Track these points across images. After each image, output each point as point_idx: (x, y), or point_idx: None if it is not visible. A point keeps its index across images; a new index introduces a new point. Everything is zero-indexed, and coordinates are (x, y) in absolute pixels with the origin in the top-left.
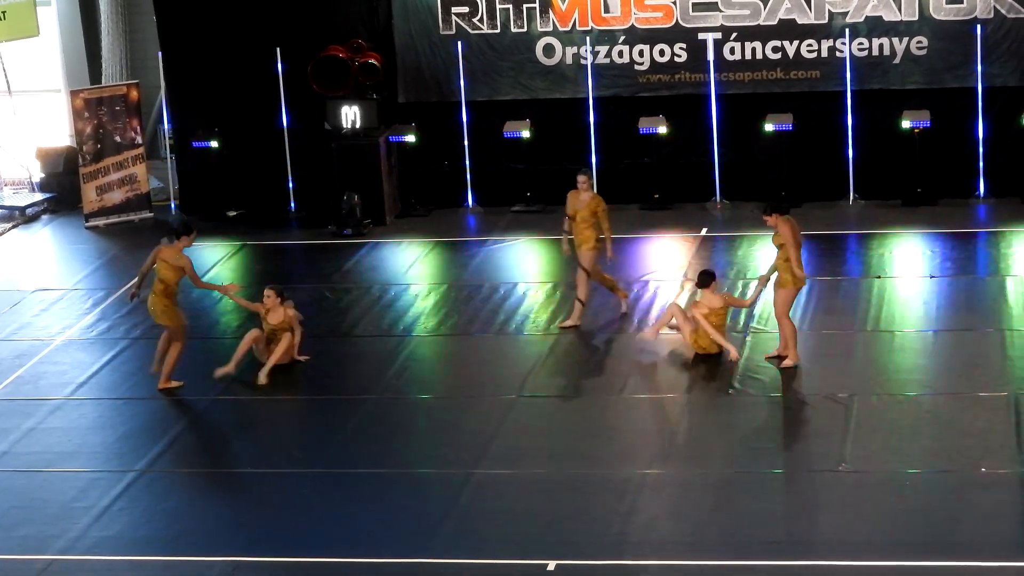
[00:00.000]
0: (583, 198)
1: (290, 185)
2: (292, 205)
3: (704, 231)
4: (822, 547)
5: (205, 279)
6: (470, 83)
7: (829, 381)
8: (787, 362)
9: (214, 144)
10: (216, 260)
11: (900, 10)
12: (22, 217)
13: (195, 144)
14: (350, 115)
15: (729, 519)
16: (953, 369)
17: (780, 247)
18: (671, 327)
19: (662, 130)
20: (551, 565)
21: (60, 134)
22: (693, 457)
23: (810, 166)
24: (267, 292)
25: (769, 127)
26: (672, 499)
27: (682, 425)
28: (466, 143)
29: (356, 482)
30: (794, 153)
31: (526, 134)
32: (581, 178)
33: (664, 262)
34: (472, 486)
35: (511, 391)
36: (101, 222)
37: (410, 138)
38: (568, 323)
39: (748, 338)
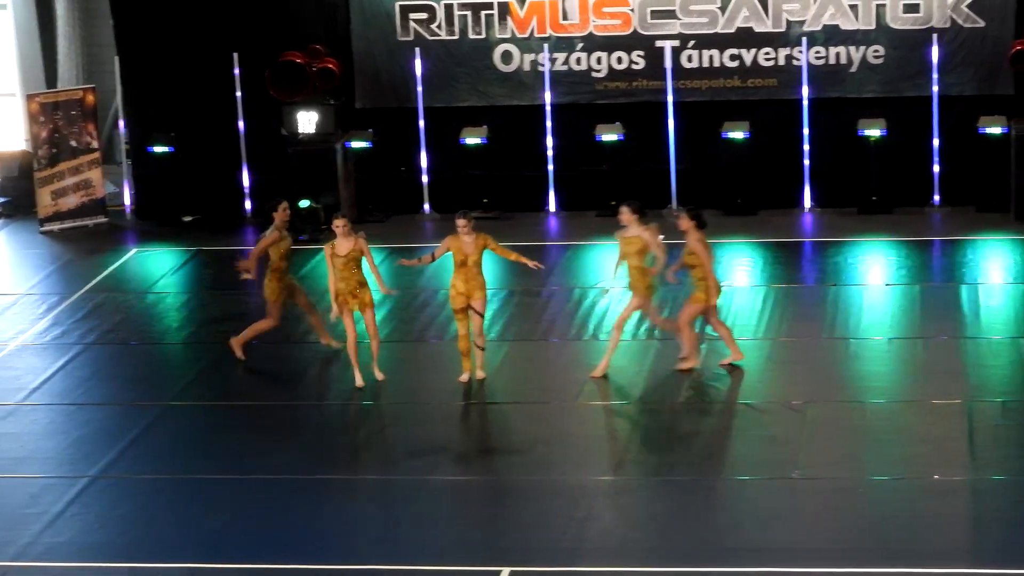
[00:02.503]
0: (467, 240)
1: (246, 190)
2: (248, 210)
3: (660, 239)
4: (777, 554)
5: (160, 285)
6: (428, 89)
7: (785, 388)
8: (689, 364)
9: (170, 149)
10: (172, 266)
11: (857, 19)
12: None
13: (151, 149)
14: (307, 120)
15: (684, 526)
16: (908, 376)
17: (693, 267)
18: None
19: (619, 137)
20: (505, 572)
21: (15, 138)
22: (648, 464)
23: (767, 174)
24: (337, 221)
25: (726, 135)
26: (627, 506)
27: (637, 432)
28: (423, 149)
29: (313, 488)
30: (751, 161)
31: (483, 141)
32: (461, 221)
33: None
34: (427, 492)
35: (462, 397)
36: (56, 227)
37: (367, 144)
38: (462, 377)
39: (704, 346)
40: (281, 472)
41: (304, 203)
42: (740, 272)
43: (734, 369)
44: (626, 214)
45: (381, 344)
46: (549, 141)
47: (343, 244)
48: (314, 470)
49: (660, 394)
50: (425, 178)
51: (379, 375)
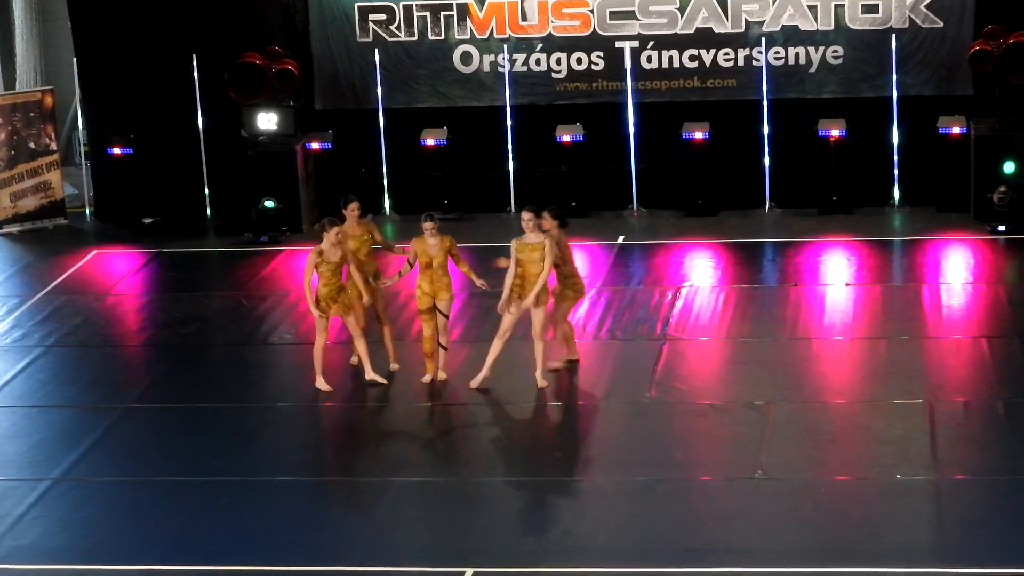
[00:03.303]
0: (432, 243)
1: (206, 192)
2: (208, 212)
3: (621, 239)
4: (739, 555)
5: (120, 287)
6: (387, 90)
7: (746, 388)
8: (545, 370)
9: (129, 151)
10: (132, 268)
11: (816, 20)
12: None
13: (110, 151)
14: (267, 121)
15: (646, 527)
16: (869, 377)
17: (557, 266)
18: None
19: (579, 138)
20: (468, 573)
21: None
22: (610, 465)
23: (727, 174)
24: (331, 231)
25: (687, 135)
26: (589, 507)
27: (598, 433)
28: (383, 150)
29: (274, 491)
30: (711, 161)
31: (443, 142)
32: (428, 224)
33: (582, 271)
34: (390, 495)
35: (424, 399)
36: (15, 229)
37: (327, 145)
38: (425, 378)
39: (665, 346)
40: (244, 474)
41: (269, 203)
42: (701, 273)
43: (571, 367)
44: (547, 220)
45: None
46: (509, 142)
47: (333, 252)
48: (277, 473)
49: (622, 394)
50: (385, 179)
51: (383, 373)
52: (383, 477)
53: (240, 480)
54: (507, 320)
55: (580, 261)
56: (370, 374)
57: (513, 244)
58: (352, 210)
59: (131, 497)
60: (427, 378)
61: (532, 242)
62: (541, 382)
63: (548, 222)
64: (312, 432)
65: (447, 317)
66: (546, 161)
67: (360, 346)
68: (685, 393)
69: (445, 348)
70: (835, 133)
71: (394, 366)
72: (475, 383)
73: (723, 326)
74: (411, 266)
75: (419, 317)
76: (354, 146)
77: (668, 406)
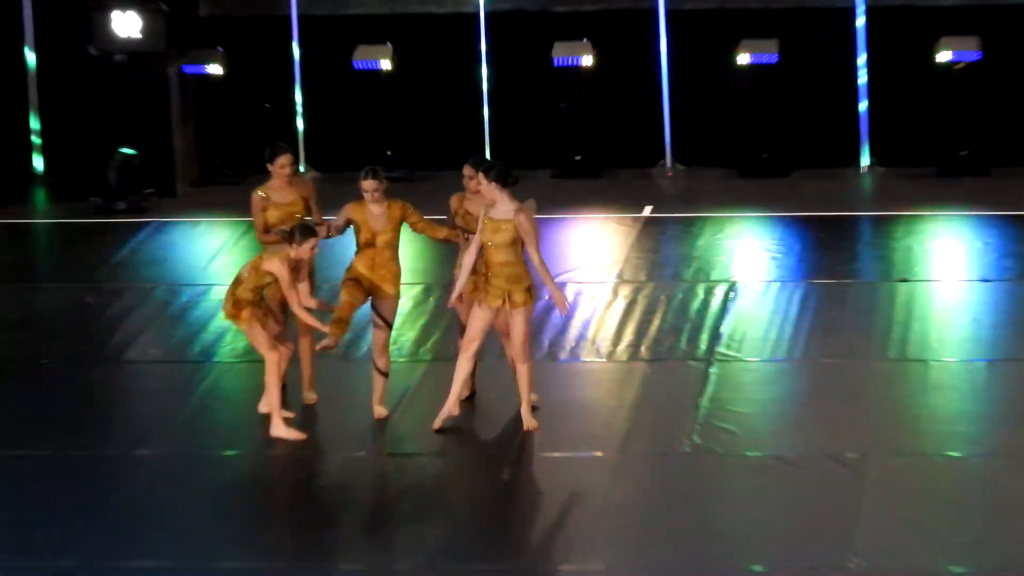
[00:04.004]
0: (375, 212)
1: (32, 138)
2: (38, 167)
3: (648, 210)
4: None
5: None
6: None
7: (830, 434)
8: (530, 405)
9: None
10: None
11: None
12: None
13: None
14: (125, 31)
15: None
16: (1014, 418)
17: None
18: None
19: (587, 61)
20: None
21: None
22: (634, 554)
23: (803, 116)
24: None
25: (744, 59)
26: None
27: (616, 499)
28: (297, 77)
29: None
30: (780, 97)
31: (386, 65)
32: (369, 183)
33: (590, 257)
34: None
35: (363, 445)
36: None
37: (215, 69)
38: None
39: (712, 370)
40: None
41: (128, 152)
42: (763, 261)
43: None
44: (484, 183)
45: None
46: (483, 66)
47: (280, 266)
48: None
49: (650, 440)
50: (300, 121)
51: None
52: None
53: None
54: (474, 326)
55: (587, 242)
56: (279, 429)
57: (481, 216)
58: (282, 166)
59: None
60: (316, 346)
61: (499, 218)
62: (529, 422)
63: (480, 182)
64: (200, 495)
65: (390, 327)
66: (537, 95)
67: (271, 379)
68: (740, 440)
69: (384, 374)
70: (963, 58)
71: (310, 397)
72: (437, 423)
73: (796, 340)
74: (331, 234)
75: (341, 289)
76: (255, 70)
77: (716, 459)
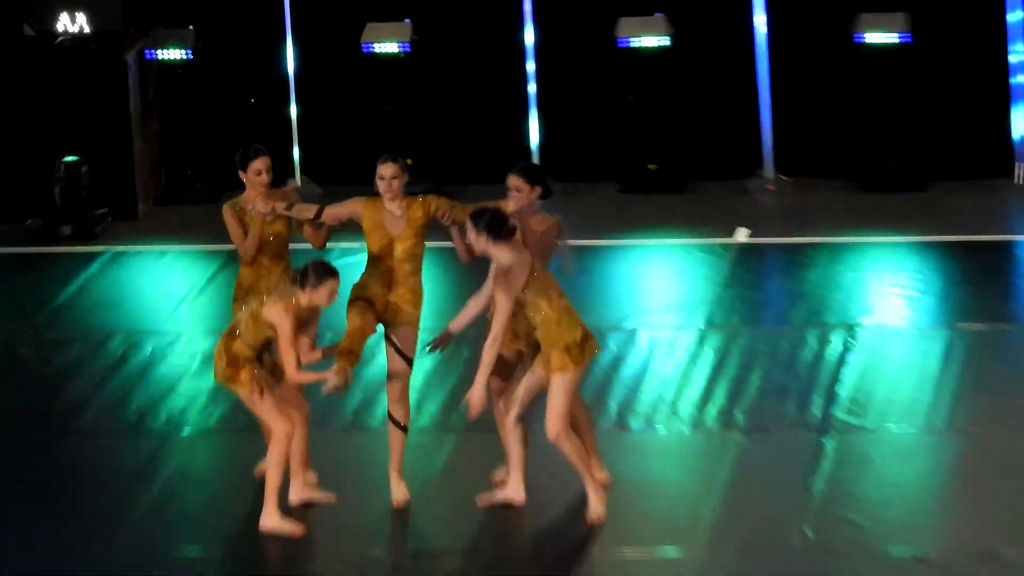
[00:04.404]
0: (395, 212)
1: None
2: None
3: (744, 234)
4: None
5: None
6: None
7: (985, 527)
8: (598, 485)
9: None
10: None
11: None
12: None
13: None
14: (72, 9)
15: None
16: None
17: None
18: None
19: (661, 42)
20: None
21: None
22: None
23: (943, 112)
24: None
25: (871, 36)
26: None
27: None
28: (290, 64)
29: None
30: (911, 88)
31: (404, 47)
32: (388, 167)
33: (668, 295)
34: None
35: (379, 540)
36: None
37: (184, 53)
38: (399, 497)
39: (829, 440)
40: None
41: (73, 160)
42: (894, 298)
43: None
44: (472, 235)
45: None
46: (529, 48)
47: (282, 314)
48: None
49: (750, 532)
50: (294, 119)
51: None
52: None
53: None
54: (521, 388)
55: (665, 276)
56: (272, 519)
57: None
58: (257, 172)
59: None
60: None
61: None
62: (597, 509)
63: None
64: None
65: (409, 363)
66: (599, 86)
67: (276, 456)
68: (867, 533)
69: (403, 428)
70: None
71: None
72: (483, 501)
73: (938, 404)
74: (316, 221)
75: (347, 311)
76: (236, 56)
77: (836, 559)
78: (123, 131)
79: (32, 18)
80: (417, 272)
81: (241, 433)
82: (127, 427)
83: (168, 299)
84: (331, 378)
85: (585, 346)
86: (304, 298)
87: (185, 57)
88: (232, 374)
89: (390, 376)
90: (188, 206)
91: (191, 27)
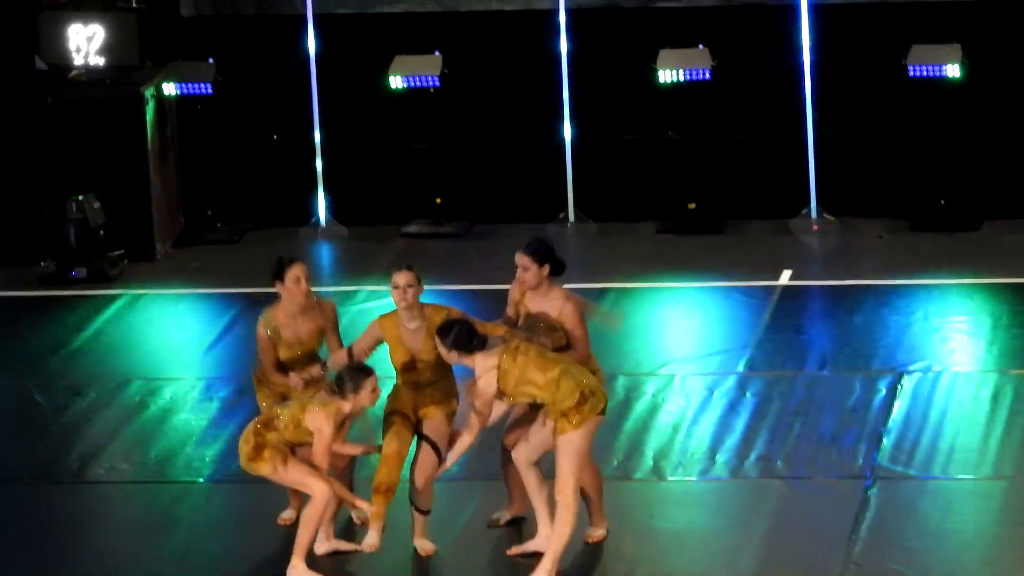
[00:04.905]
0: (411, 326)
1: None
2: None
3: (787, 275)
4: None
5: None
6: None
7: None
8: (597, 534)
9: None
10: None
11: None
12: None
13: None
14: (86, 40)
15: None
16: None
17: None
18: None
19: (702, 75)
20: None
21: None
22: None
23: (995, 147)
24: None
25: (916, 68)
26: None
27: None
28: (315, 98)
29: None
30: (963, 121)
31: (434, 82)
32: (402, 276)
33: (708, 339)
34: None
35: None
36: None
37: (204, 88)
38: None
39: (874, 490)
40: None
41: (88, 199)
42: (946, 343)
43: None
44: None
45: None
46: (564, 83)
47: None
48: None
49: None
50: (319, 158)
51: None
52: None
53: None
54: (536, 438)
55: (705, 319)
56: (299, 572)
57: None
58: (296, 279)
59: None
60: (360, 518)
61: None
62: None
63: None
64: None
65: (438, 452)
66: (636, 122)
67: (313, 515)
68: None
69: (425, 512)
70: None
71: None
72: (514, 551)
73: (987, 450)
74: (351, 359)
75: (384, 425)
76: (257, 89)
77: None
78: (140, 169)
79: (44, 51)
80: (446, 375)
81: (262, 482)
82: (145, 475)
83: (187, 344)
84: (370, 529)
85: (583, 408)
86: (347, 406)
87: (204, 92)
88: (255, 455)
89: (418, 464)
90: (208, 247)
91: (211, 60)
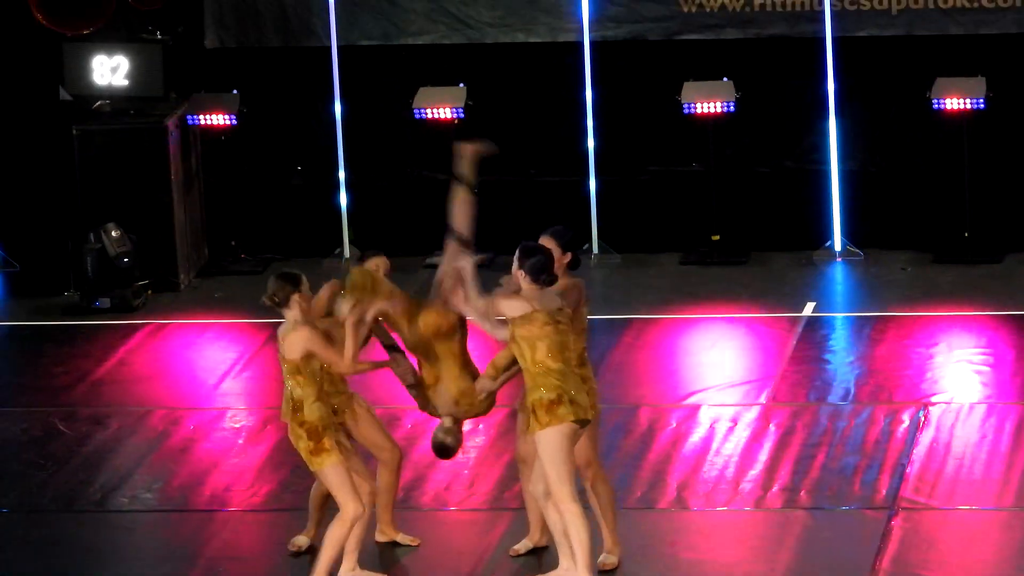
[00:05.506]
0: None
1: None
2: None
3: (811, 307)
4: None
5: None
6: (346, 12)
7: None
8: (610, 561)
9: None
10: None
11: None
12: None
13: None
14: (110, 72)
15: None
16: None
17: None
18: None
19: (727, 108)
20: None
21: None
22: None
23: (1019, 180)
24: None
25: (943, 102)
26: None
27: None
28: (339, 130)
29: None
30: (986, 154)
31: (458, 113)
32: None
33: (731, 371)
34: None
35: None
36: None
37: (227, 119)
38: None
39: (897, 521)
40: None
41: (114, 233)
42: (967, 376)
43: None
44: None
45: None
46: (589, 114)
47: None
48: None
49: None
50: (343, 191)
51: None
52: None
53: None
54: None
55: (728, 351)
56: None
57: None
58: (378, 266)
59: None
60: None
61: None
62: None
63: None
64: None
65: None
66: (661, 154)
67: (335, 537)
68: None
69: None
70: None
71: (405, 537)
72: None
73: (1010, 482)
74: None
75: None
76: (282, 121)
77: None
78: (164, 200)
79: (68, 82)
80: (465, 369)
81: (286, 512)
82: (168, 504)
83: (210, 374)
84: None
85: (557, 409)
86: (295, 312)
87: (229, 123)
88: (316, 447)
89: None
90: (232, 277)
91: (235, 91)
